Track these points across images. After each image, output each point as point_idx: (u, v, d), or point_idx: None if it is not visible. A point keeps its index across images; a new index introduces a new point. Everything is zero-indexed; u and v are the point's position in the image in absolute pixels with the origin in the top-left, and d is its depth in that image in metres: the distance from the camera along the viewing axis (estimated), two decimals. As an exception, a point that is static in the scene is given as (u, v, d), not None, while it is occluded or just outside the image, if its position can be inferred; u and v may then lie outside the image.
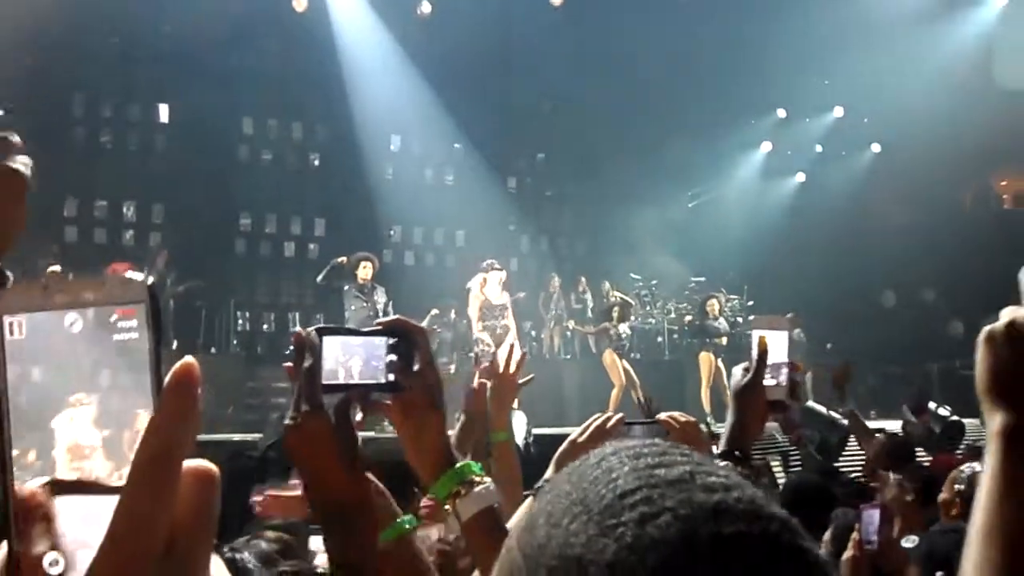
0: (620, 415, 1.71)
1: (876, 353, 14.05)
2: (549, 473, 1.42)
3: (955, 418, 6.30)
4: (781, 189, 17.16)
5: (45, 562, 0.45)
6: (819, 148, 17.20)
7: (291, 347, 1.02)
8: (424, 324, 7.92)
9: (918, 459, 4.76)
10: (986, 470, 0.74)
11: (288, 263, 14.96)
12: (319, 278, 9.34)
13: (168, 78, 13.20)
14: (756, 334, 1.45)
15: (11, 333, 0.47)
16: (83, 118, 13.98)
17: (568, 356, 13.10)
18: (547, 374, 12.30)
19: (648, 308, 14.04)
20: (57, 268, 9.45)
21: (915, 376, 13.27)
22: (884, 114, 15.15)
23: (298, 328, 1.09)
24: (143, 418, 0.46)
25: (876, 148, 16.62)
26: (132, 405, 0.46)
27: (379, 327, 1.09)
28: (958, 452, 5.13)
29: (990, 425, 0.75)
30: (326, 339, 1.04)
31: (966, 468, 2.73)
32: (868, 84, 14.75)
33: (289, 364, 1.02)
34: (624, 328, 11.13)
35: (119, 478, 0.46)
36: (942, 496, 2.76)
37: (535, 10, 13.85)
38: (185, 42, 12.88)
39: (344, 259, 9.29)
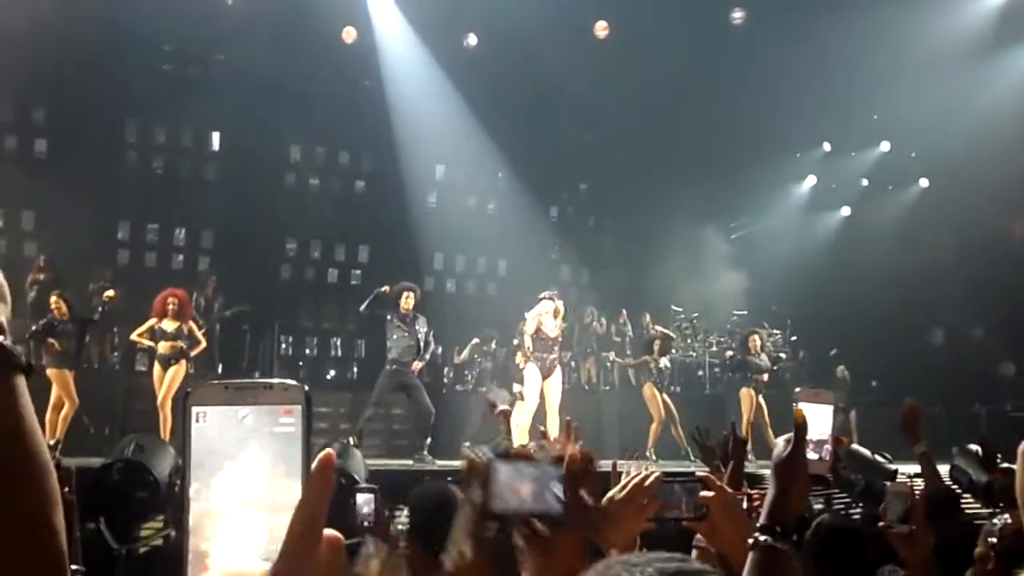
0: (658, 473, 1.68)
1: (922, 393, 13.74)
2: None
3: (1006, 465, 6.12)
4: (826, 223, 16.99)
5: None
6: (865, 182, 17.02)
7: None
8: (465, 353, 7.92)
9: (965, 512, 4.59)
10: None
11: (331, 289, 15.16)
12: (362, 308, 9.43)
13: (219, 106, 13.52)
14: (798, 407, 1.44)
15: (196, 420, 0.63)
16: (136, 144, 14.37)
17: (607, 388, 13.05)
18: (587, 405, 12.27)
19: (689, 341, 13.94)
20: (111, 292, 9.69)
21: (962, 418, 12.97)
22: (932, 149, 14.96)
23: (473, 454, 1.20)
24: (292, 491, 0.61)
25: (924, 183, 16.39)
26: (285, 479, 0.62)
27: (696, 479, 1.27)
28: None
29: None
30: (500, 464, 1.14)
31: (998, 520, 2.66)
32: (916, 119, 14.57)
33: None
34: (664, 362, 11.07)
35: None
36: (977, 550, 2.70)
37: (579, 41, 13.97)
38: (236, 71, 13.22)
39: (387, 288, 9.39)
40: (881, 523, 2.16)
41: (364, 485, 4.18)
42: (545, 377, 9.34)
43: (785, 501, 1.35)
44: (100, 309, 9.52)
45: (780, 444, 1.41)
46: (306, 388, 0.64)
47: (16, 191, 12.94)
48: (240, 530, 0.62)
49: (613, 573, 0.69)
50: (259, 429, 0.62)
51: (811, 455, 1.44)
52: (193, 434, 0.63)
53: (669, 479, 1.68)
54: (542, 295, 9.55)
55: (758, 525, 1.33)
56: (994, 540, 2.56)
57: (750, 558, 1.30)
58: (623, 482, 1.66)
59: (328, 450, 0.60)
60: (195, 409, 0.63)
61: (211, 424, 0.63)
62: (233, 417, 0.63)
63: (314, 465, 0.59)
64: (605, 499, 1.62)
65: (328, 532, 0.60)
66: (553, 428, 9.17)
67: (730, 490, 1.69)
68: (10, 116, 13.58)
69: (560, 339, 9.42)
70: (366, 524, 3.17)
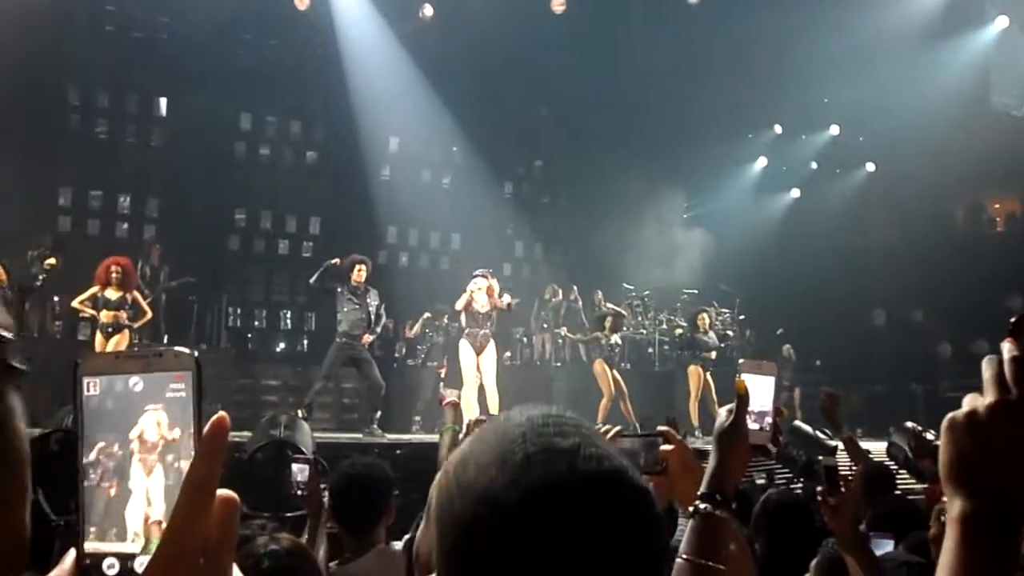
0: (617, 428, 1.70)
1: (864, 372, 14.13)
2: None
3: (940, 442, 6.32)
4: (775, 204, 17.25)
5: (104, 564, 0.63)
6: (814, 165, 17.29)
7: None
8: (417, 328, 7.86)
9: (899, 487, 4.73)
10: (943, 554, 0.77)
11: (282, 261, 14.95)
12: (312, 280, 9.32)
13: (167, 71, 13.16)
14: (741, 378, 1.46)
15: (88, 390, 0.65)
16: (79, 107, 13.91)
17: (559, 364, 13.13)
18: (537, 380, 12.34)
19: (640, 319, 14.09)
20: (53, 260, 9.42)
21: (901, 396, 13.34)
22: (880, 134, 15.25)
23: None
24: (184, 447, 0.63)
25: (870, 167, 16.72)
26: (177, 443, 0.63)
27: (656, 433, 1.62)
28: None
29: (950, 510, 0.78)
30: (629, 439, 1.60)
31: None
32: (865, 103, 14.83)
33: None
34: (616, 339, 11.16)
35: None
36: (932, 532, 2.78)
37: (537, 17, 13.88)
38: (185, 35, 12.88)
39: (338, 261, 9.29)
40: (818, 493, 2.23)
41: (300, 456, 4.16)
42: (478, 353, 9.46)
43: (725, 470, 1.37)
44: (41, 277, 9.27)
45: (722, 414, 1.42)
46: (196, 354, 0.65)
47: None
48: (135, 495, 0.64)
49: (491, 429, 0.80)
50: (150, 396, 0.64)
51: (753, 426, 1.44)
52: (85, 403, 0.65)
53: (628, 434, 1.68)
54: (476, 272, 9.69)
55: (699, 493, 1.35)
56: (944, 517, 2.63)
57: (690, 524, 1.33)
58: None
59: (222, 413, 0.61)
60: (86, 379, 0.65)
61: (102, 393, 0.65)
62: (124, 385, 0.64)
63: (207, 426, 0.61)
64: None
65: (222, 491, 0.61)
66: (492, 403, 9.27)
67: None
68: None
69: (492, 315, 9.52)
70: (299, 492, 3.19)
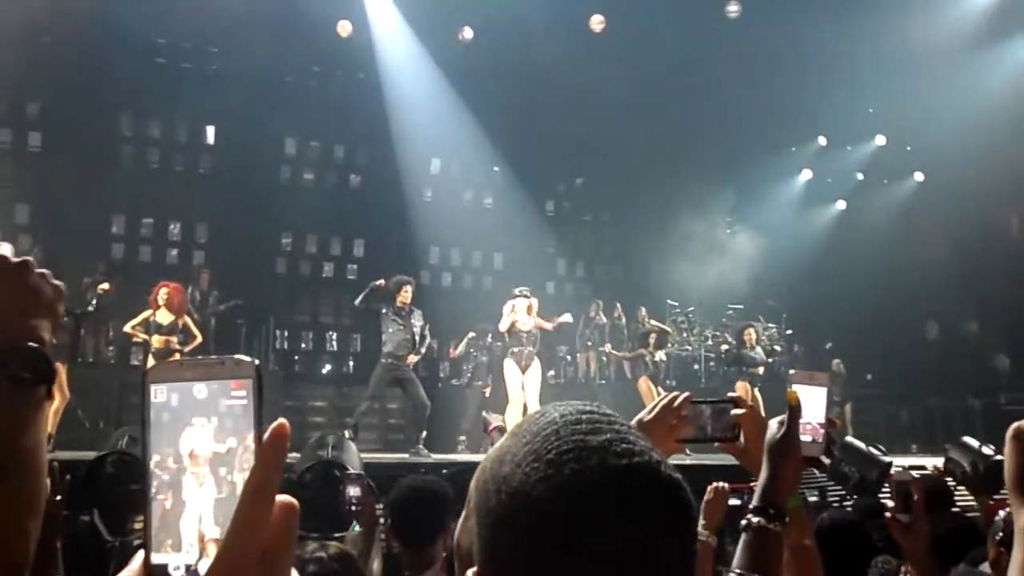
0: (687, 393, 1.66)
1: (917, 386, 13.80)
2: None
3: (1000, 457, 6.14)
4: (821, 217, 17.00)
5: (169, 566, 0.65)
6: (860, 176, 17.03)
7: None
8: (461, 347, 7.91)
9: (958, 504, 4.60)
10: (1012, 565, 0.75)
11: (327, 283, 15.14)
12: (357, 301, 9.42)
13: (214, 100, 13.47)
14: (792, 389, 1.43)
15: (155, 397, 0.66)
16: (131, 138, 14.32)
17: (603, 382, 13.06)
18: (582, 399, 12.23)
19: (684, 335, 13.96)
20: (106, 285, 9.66)
21: (957, 411, 12.99)
22: (927, 143, 14.96)
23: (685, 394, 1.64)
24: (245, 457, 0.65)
25: (919, 177, 16.40)
26: (238, 449, 0.65)
27: (727, 399, 1.62)
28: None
29: (1017, 521, 0.76)
30: (699, 406, 1.61)
31: (1001, 513, 2.66)
32: (911, 113, 14.57)
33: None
34: (660, 355, 11.08)
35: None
36: (990, 556, 2.69)
37: (575, 36, 13.93)
38: (231, 64, 13.18)
39: (383, 282, 9.37)
40: (887, 513, 2.17)
41: (353, 473, 4.20)
42: (523, 371, 9.55)
43: (777, 483, 1.35)
44: (94, 302, 9.50)
45: (773, 426, 1.40)
46: (256, 362, 0.67)
47: (10, 184, 12.91)
48: (199, 499, 0.65)
49: (528, 423, 0.82)
50: (212, 402, 0.66)
51: (805, 438, 1.43)
52: (152, 410, 0.66)
53: (699, 400, 1.64)
54: (516, 291, 9.82)
55: (751, 507, 1.33)
56: (999, 536, 2.55)
57: (742, 538, 1.31)
58: (651, 404, 1.62)
59: (282, 420, 0.62)
60: (153, 386, 0.67)
61: (168, 399, 0.67)
62: (188, 392, 0.66)
63: (267, 433, 0.63)
64: (634, 421, 1.55)
65: (282, 497, 0.62)
66: None
67: None
68: (4, 109, 13.53)
69: (536, 333, 9.62)
70: (353, 508, 3.21)
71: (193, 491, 0.65)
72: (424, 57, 14.03)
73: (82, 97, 12.76)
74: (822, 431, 1.50)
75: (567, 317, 9.96)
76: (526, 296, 9.76)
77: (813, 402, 1.48)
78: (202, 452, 0.65)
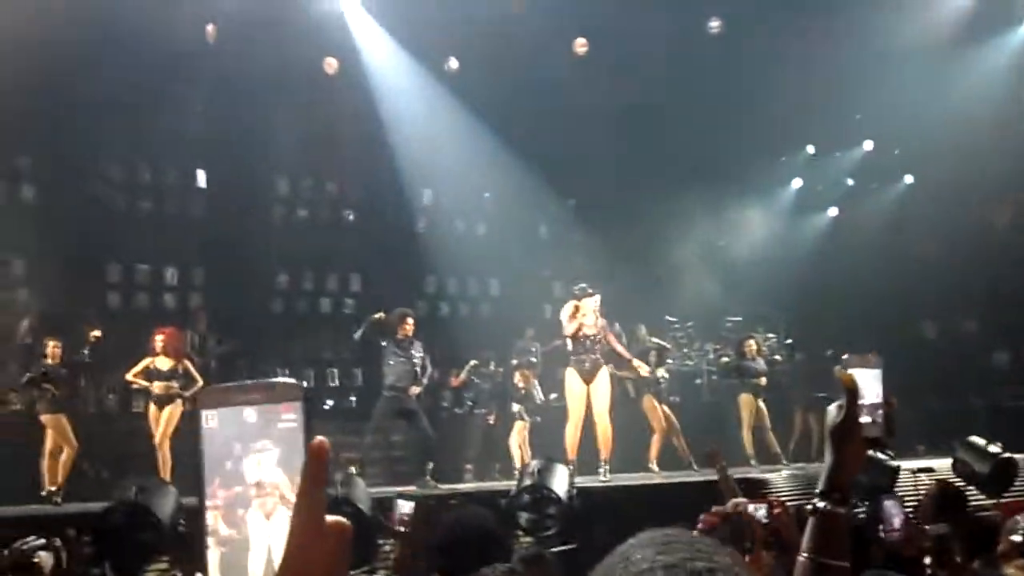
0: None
1: (919, 387, 13.80)
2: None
3: (1007, 455, 6.12)
4: (814, 224, 17.08)
5: None
6: (850, 182, 17.13)
7: None
8: (463, 375, 7.93)
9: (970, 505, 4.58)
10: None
11: (325, 319, 15.12)
12: (356, 335, 9.44)
13: (204, 144, 13.53)
14: (847, 372, 1.46)
15: (206, 422, 0.66)
16: (124, 184, 14.34)
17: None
18: (586, 422, 12.24)
19: (685, 350, 13.96)
20: (98, 333, 9.65)
21: (959, 410, 12.98)
22: (915, 145, 15.08)
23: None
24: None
25: (909, 179, 16.51)
26: (291, 472, 0.65)
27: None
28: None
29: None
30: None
31: (1021, 517, 2.67)
32: (897, 116, 14.69)
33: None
34: (662, 372, 11.07)
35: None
36: (1001, 548, 2.71)
37: (559, 59, 14.06)
38: (219, 106, 13.26)
39: (381, 314, 9.39)
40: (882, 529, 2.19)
41: (407, 492, 4.11)
42: (587, 382, 8.73)
43: (841, 467, 1.37)
44: (86, 351, 9.50)
45: (832, 411, 1.41)
46: (304, 384, 0.69)
47: (6, 238, 12.93)
48: (254, 524, 0.65)
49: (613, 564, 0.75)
50: (264, 426, 0.66)
51: (865, 419, 1.44)
52: (204, 436, 0.67)
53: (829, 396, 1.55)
54: (575, 290, 8.86)
55: (817, 491, 1.35)
56: (1019, 539, 2.57)
57: (809, 523, 1.33)
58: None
59: (320, 438, 0.64)
60: (204, 412, 0.67)
61: (220, 425, 0.67)
62: (239, 417, 0.66)
63: (308, 452, 0.63)
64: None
65: (333, 518, 0.63)
66: (604, 439, 8.64)
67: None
68: (-2, 165, 13.59)
69: (600, 338, 8.59)
70: (401, 529, 3.10)
71: (259, 524, 0.65)
72: (410, 89, 14.14)
73: (70, 148, 12.82)
74: (880, 412, 1.49)
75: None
76: (590, 294, 8.80)
77: (868, 384, 1.50)
78: (269, 481, 0.65)
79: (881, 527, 2.39)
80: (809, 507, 1.34)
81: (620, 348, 8.90)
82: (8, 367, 10.96)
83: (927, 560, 2.18)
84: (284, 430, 0.65)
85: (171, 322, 10.94)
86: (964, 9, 14.29)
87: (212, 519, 0.64)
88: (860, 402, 1.43)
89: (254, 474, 0.65)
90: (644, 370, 8.97)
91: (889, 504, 2.38)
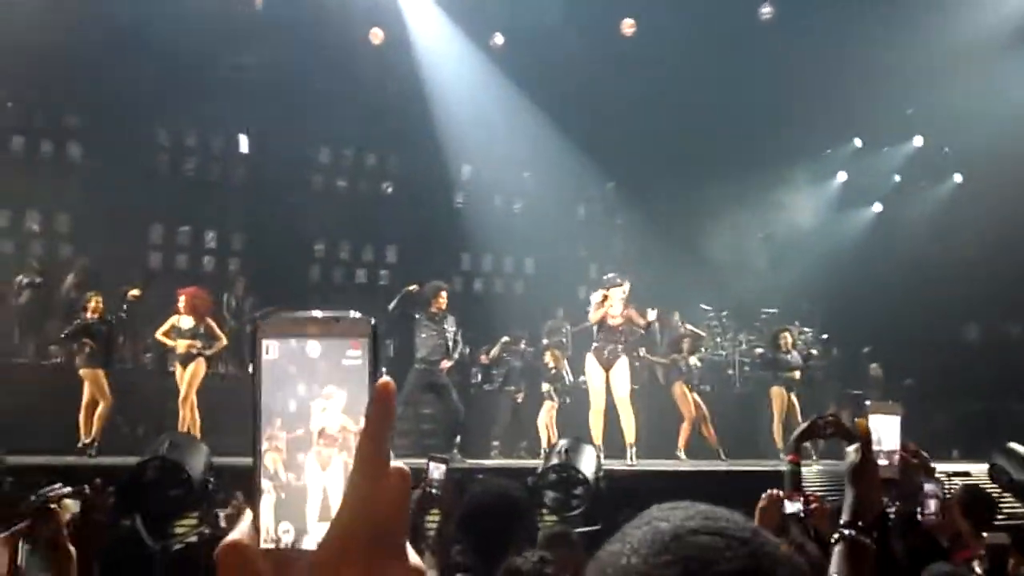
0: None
1: (958, 390, 13.56)
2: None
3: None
4: (857, 219, 16.79)
5: (280, 529, 0.60)
6: (897, 178, 16.80)
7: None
8: (495, 352, 7.91)
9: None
10: None
11: (360, 289, 15.23)
12: (391, 307, 9.47)
13: (249, 110, 13.63)
14: (864, 420, 1.67)
15: (266, 353, 0.61)
16: (169, 148, 14.55)
17: (637, 387, 12.96)
18: (612, 409, 12.21)
19: (719, 340, 13.84)
20: (136, 292, 9.80)
21: (1000, 415, 12.73)
22: (965, 144, 14.73)
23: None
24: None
25: (958, 179, 16.14)
26: (354, 411, 0.61)
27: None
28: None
29: None
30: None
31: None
32: (949, 113, 14.35)
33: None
34: (694, 360, 10.99)
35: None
36: None
37: (606, 40, 13.92)
38: (264, 74, 13.34)
39: (416, 287, 9.42)
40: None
41: (437, 455, 4.12)
42: (606, 368, 8.89)
43: (861, 503, 1.55)
44: (124, 307, 9.64)
45: (851, 453, 1.60)
46: (373, 320, 0.63)
47: (52, 195, 13.17)
48: (313, 464, 0.61)
49: (644, 523, 0.77)
50: (329, 363, 0.61)
51: (882, 462, 1.65)
52: (263, 366, 0.61)
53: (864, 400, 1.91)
54: (606, 278, 9.03)
55: (842, 521, 1.53)
56: None
57: (837, 549, 1.51)
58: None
59: (386, 378, 0.61)
60: (264, 342, 0.62)
61: (280, 356, 0.61)
62: (302, 350, 0.61)
63: (374, 392, 0.60)
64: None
65: (396, 464, 0.59)
66: (627, 425, 8.81)
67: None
68: (45, 122, 13.80)
69: (624, 328, 8.78)
70: (433, 491, 3.10)
71: (316, 470, 0.60)
72: (454, 63, 14.10)
73: (118, 109, 12.98)
74: (896, 456, 1.73)
75: (652, 315, 9.10)
76: (618, 284, 8.92)
77: (888, 430, 1.73)
78: (334, 428, 0.60)
79: (919, 509, 2.50)
80: (835, 536, 1.52)
81: (641, 321, 8.90)
82: (53, 320, 11.18)
83: (977, 568, 2.26)
84: (349, 368, 0.61)
85: (209, 285, 11.08)
86: (1021, 9, 13.90)
87: (271, 461, 0.60)
88: (879, 447, 1.64)
89: (319, 420, 0.60)
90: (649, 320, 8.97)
91: (929, 488, 2.48)
